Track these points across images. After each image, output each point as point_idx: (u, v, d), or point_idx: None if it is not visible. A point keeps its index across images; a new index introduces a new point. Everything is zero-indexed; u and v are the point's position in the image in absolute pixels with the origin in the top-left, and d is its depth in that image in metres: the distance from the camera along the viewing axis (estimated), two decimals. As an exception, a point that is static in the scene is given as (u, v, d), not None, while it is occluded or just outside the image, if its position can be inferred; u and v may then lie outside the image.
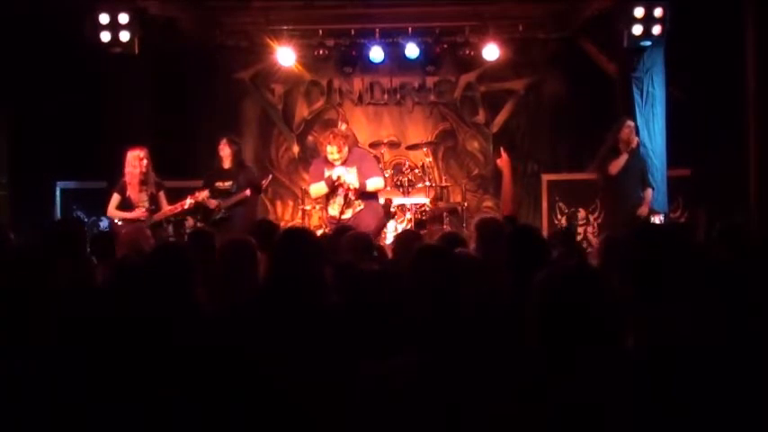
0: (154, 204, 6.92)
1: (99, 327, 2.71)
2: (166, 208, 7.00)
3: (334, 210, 6.82)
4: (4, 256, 3.60)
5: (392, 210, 8.32)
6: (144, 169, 6.85)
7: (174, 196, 7.15)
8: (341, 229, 5.33)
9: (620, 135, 7.06)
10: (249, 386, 2.64)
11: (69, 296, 2.94)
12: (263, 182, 7.90)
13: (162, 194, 7.03)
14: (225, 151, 7.43)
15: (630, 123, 7.17)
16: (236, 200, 7.29)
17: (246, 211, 7.43)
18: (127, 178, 6.86)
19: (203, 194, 7.13)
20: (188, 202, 7.02)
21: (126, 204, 6.88)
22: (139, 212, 6.79)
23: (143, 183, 6.87)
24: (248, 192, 7.36)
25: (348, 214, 6.77)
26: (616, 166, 7.01)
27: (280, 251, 3.07)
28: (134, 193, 6.85)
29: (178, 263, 3.25)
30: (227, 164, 7.43)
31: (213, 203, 7.24)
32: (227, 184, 7.32)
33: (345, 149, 6.73)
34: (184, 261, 3.27)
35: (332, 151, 6.69)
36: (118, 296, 3.18)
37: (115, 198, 6.90)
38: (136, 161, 6.83)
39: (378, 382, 1.78)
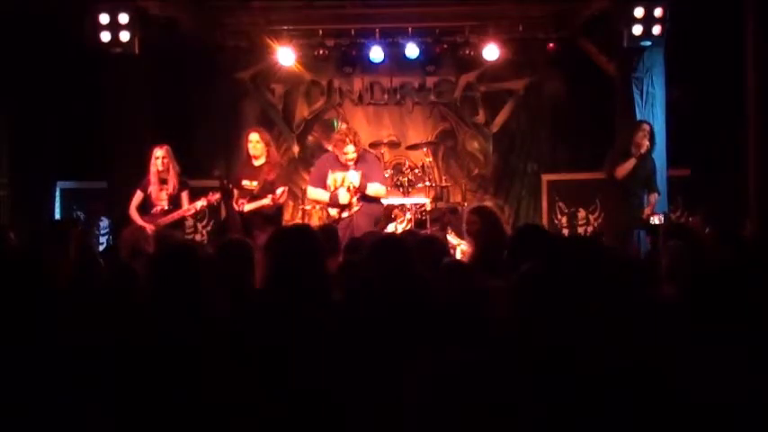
0: (173, 204, 6.80)
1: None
2: (181, 209, 6.82)
3: (334, 211, 6.84)
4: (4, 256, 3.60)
5: (393, 215, 8.28)
6: (161, 167, 6.74)
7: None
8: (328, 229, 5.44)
9: (634, 138, 7.03)
10: (252, 385, 2.64)
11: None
12: (279, 192, 6.81)
13: (185, 194, 6.84)
14: (256, 148, 6.79)
15: (646, 127, 7.10)
16: (258, 206, 6.75)
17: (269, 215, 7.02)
18: (149, 176, 6.80)
19: (215, 197, 6.85)
20: (200, 203, 6.80)
21: (146, 202, 6.82)
22: (149, 226, 6.50)
23: (163, 182, 6.79)
24: (273, 199, 6.68)
25: (346, 214, 6.79)
26: (623, 170, 6.99)
27: (277, 250, 3.06)
28: (154, 192, 6.79)
29: (191, 263, 3.20)
30: (257, 161, 6.86)
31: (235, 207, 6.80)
32: (254, 184, 6.80)
33: (359, 150, 6.78)
34: (196, 260, 3.23)
35: (349, 151, 6.66)
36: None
37: (138, 196, 6.84)
38: (153, 159, 6.76)
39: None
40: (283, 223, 7.17)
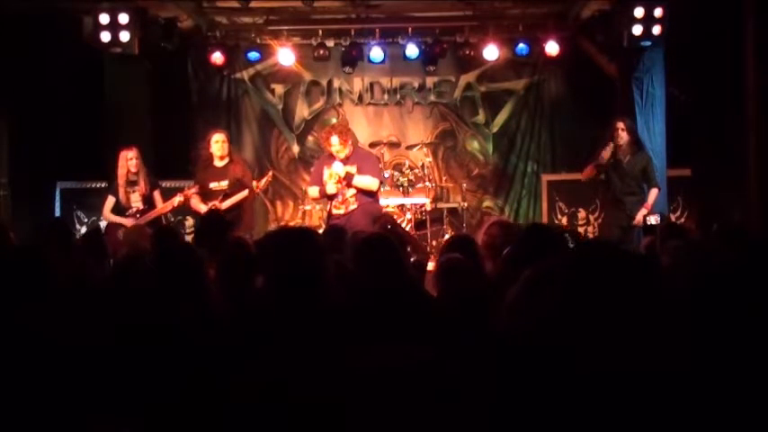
0: (147, 204, 6.86)
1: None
2: (158, 208, 6.88)
3: (328, 206, 6.85)
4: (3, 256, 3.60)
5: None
6: (133, 169, 6.81)
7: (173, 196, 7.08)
8: (333, 229, 5.42)
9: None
10: (256, 386, 2.63)
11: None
12: (263, 180, 7.18)
13: (157, 193, 6.94)
14: (223, 148, 6.89)
15: (618, 125, 6.96)
16: (236, 201, 6.82)
17: (247, 211, 7.17)
18: (119, 179, 6.85)
19: (193, 190, 6.81)
20: (177, 200, 6.78)
21: (120, 206, 6.86)
22: (130, 220, 6.68)
23: (133, 183, 6.85)
24: (247, 191, 6.83)
25: (341, 210, 6.75)
26: (585, 174, 7.11)
27: (276, 250, 3.06)
28: (126, 194, 6.84)
29: (189, 263, 3.20)
30: (221, 161, 6.94)
31: (205, 209, 6.73)
32: (224, 184, 6.86)
33: (349, 144, 6.71)
34: (195, 261, 3.23)
35: (334, 143, 6.66)
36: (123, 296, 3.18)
37: (110, 200, 6.90)
38: (124, 162, 6.81)
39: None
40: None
